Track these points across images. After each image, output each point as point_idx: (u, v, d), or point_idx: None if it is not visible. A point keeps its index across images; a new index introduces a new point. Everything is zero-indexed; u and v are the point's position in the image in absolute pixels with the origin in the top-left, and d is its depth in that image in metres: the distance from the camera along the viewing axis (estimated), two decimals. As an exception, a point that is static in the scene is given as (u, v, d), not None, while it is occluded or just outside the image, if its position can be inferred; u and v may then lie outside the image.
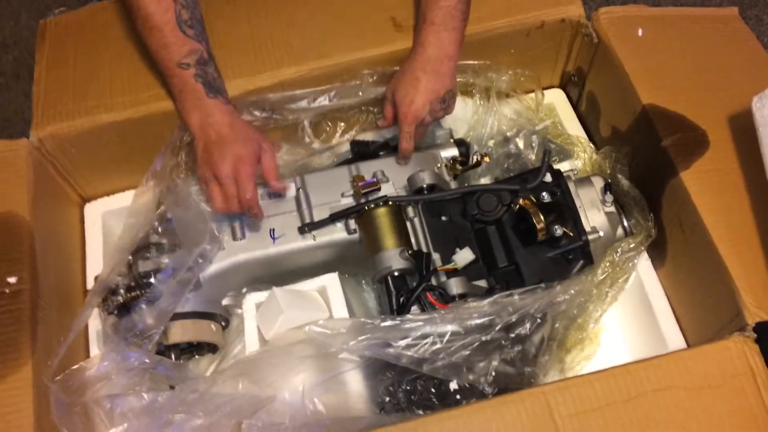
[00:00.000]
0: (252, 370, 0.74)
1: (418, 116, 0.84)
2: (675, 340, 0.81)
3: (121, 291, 0.80)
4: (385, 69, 0.90)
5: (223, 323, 0.87)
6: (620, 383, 0.65)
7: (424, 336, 0.72)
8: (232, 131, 0.78)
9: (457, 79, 0.88)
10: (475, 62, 0.91)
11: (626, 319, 0.87)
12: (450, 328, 0.72)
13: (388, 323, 0.72)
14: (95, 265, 0.89)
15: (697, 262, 0.76)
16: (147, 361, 0.74)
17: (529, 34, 0.93)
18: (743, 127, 0.76)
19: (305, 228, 0.83)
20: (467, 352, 0.73)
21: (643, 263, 0.85)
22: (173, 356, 0.83)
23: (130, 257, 0.83)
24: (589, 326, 0.82)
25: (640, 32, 0.87)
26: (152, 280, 0.81)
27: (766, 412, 0.64)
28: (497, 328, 0.73)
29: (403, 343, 0.72)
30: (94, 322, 0.84)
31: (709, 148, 0.77)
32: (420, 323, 0.72)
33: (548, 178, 0.83)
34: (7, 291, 0.72)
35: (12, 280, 0.72)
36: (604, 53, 0.89)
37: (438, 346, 0.72)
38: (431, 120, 0.87)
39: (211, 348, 0.87)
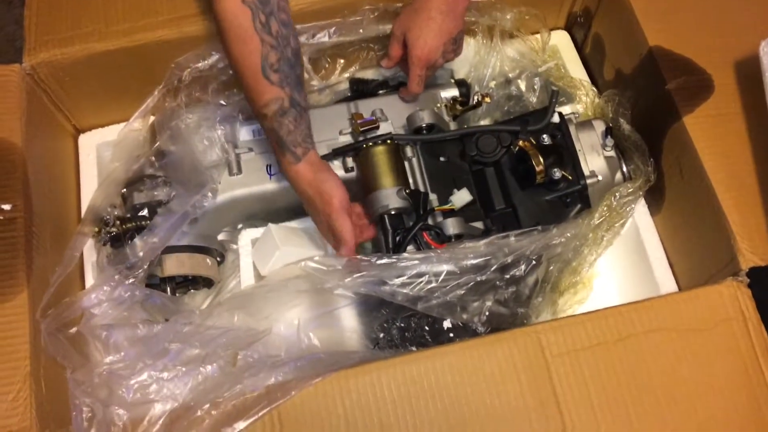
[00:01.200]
0: (247, 303, 0.75)
1: (431, 59, 0.81)
2: (668, 286, 0.82)
3: (116, 222, 0.80)
4: (388, 5, 0.87)
5: (218, 258, 0.87)
6: (611, 324, 0.66)
7: (420, 275, 0.72)
8: (304, 198, 0.75)
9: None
10: (480, 0, 0.89)
11: (620, 265, 0.88)
12: (445, 267, 0.73)
13: (384, 261, 0.72)
14: (90, 197, 0.88)
15: (694, 208, 0.76)
16: (141, 293, 0.74)
17: (536, -29, 0.91)
18: (750, 72, 0.75)
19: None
20: (462, 292, 0.73)
21: (640, 209, 0.85)
22: (168, 289, 0.83)
23: (125, 189, 0.83)
24: (583, 270, 0.83)
25: (650, -29, 0.85)
26: (145, 212, 0.81)
27: (755, 357, 0.65)
28: (492, 268, 0.74)
29: (398, 281, 0.72)
30: (89, 253, 0.84)
31: (713, 93, 0.76)
32: (416, 262, 0.72)
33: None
34: (1, 218, 0.71)
35: (6, 207, 0.72)
36: (613, -7, 0.87)
37: (433, 285, 0.73)
38: (443, 62, 0.85)
39: (206, 282, 0.88)
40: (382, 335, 0.78)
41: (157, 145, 0.84)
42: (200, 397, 0.64)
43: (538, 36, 0.94)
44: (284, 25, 0.71)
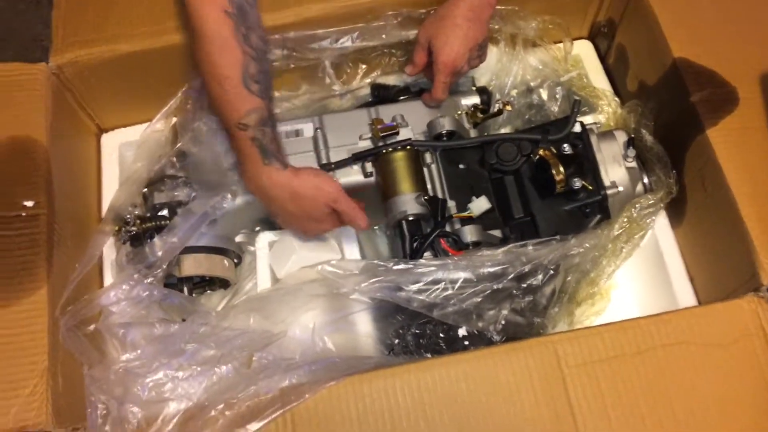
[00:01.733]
0: (264, 306, 0.75)
1: (457, 66, 0.81)
2: (687, 299, 0.81)
3: (137, 221, 0.81)
4: (411, 11, 0.88)
5: (235, 260, 0.88)
6: (630, 336, 0.65)
7: (436, 281, 0.72)
8: (294, 202, 0.73)
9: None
10: (503, 8, 0.89)
11: (639, 277, 0.87)
12: (462, 274, 0.73)
13: (400, 266, 0.72)
14: (111, 196, 0.89)
15: (716, 222, 0.75)
16: (159, 292, 0.74)
17: (561, -19, 0.90)
18: (776, 85, 0.74)
19: (328, 167, 0.82)
20: (478, 300, 0.73)
21: (661, 221, 0.84)
22: (185, 289, 0.84)
23: (146, 189, 0.84)
24: (601, 281, 0.82)
25: (676, -18, 0.84)
26: (165, 212, 0.82)
27: (775, 373, 0.64)
28: (509, 277, 0.73)
29: (414, 287, 0.72)
30: (109, 251, 0.85)
31: (738, 106, 0.75)
32: (432, 268, 0.72)
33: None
34: (24, 214, 0.72)
35: (29, 203, 0.73)
36: (637, 4, 0.86)
37: (449, 292, 0.72)
38: (468, 69, 0.85)
39: (223, 283, 0.88)
40: (396, 341, 0.78)
41: (178, 146, 0.85)
42: (214, 397, 0.64)
43: (560, 45, 0.94)
44: (262, 40, 0.72)
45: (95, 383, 0.65)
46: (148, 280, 0.74)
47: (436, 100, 0.84)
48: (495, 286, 0.73)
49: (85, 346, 0.68)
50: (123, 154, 0.94)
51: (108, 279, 0.85)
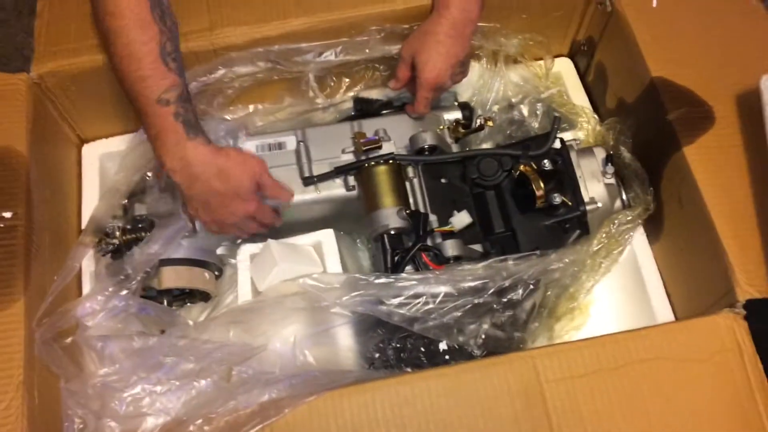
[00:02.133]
0: (244, 318, 0.74)
1: (439, 81, 0.82)
2: (665, 314, 0.82)
3: (117, 234, 0.80)
4: (394, 27, 0.88)
5: (216, 272, 0.87)
6: (608, 351, 0.66)
7: (417, 295, 0.72)
8: (220, 179, 0.71)
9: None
10: (485, 25, 0.90)
11: (617, 293, 0.88)
12: (443, 289, 0.73)
13: (382, 280, 0.72)
14: (91, 207, 0.88)
15: (692, 238, 0.76)
16: (135, 303, 0.74)
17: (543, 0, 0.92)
18: (751, 105, 0.76)
19: (310, 180, 0.82)
20: (459, 314, 0.73)
21: (639, 237, 0.85)
22: (165, 302, 0.83)
23: (126, 201, 0.83)
24: (580, 296, 0.83)
25: (654, 3, 0.86)
26: (145, 224, 0.81)
27: (750, 388, 0.65)
28: (490, 291, 0.74)
29: (395, 301, 0.72)
30: (88, 263, 0.84)
31: (714, 125, 0.77)
32: (414, 282, 0.72)
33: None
34: (1, 225, 0.71)
35: (7, 214, 0.72)
36: (617, 23, 0.87)
37: (430, 306, 0.73)
38: (451, 84, 0.86)
39: (203, 296, 0.88)
40: (377, 355, 0.78)
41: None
42: (193, 412, 0.63)
43: (541, 62, 0.95)
44: (174, 24, 0.73)
45: (72, 397, 0.64)
46: (124, 292, 0.74)
47: (418, 113, 0.85)
48: (475, 301, 0.74)
49: (62, 359, 0.68)
50: (104, 165, 0.93)
51: (86, 291, 0.83)
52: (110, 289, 0.73)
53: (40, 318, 0.69)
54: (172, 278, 0.81)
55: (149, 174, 0.85)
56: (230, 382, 0.67)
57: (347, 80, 0.94)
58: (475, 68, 0.93)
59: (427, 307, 0.73)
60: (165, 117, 0.68)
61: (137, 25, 0.68)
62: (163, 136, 0.69)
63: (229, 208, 0.74)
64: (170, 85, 0.69)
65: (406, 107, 0.87)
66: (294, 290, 0.74)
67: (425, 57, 0.81)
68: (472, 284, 0.73)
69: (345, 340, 0.77)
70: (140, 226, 0.81)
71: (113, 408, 0.63)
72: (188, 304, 0.89)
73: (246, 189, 0.73)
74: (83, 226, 0.86)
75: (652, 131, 0.82)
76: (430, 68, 0.81)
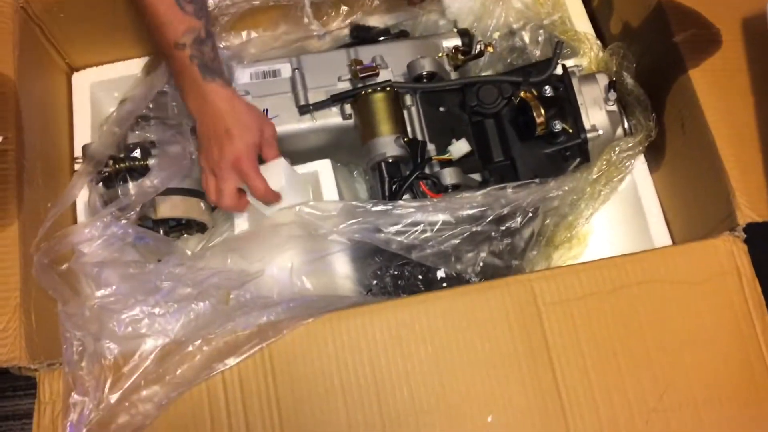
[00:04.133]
0: (241, 246, 0.74)
1: None
2: (663, 242, 0.82)
3: (109, 162, 0.79)
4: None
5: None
6: (605, 274, 0.66)
7: (415, 223, 0.72)
8: (231, 119, 0.72)
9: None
10: (486, -53, 0.87)
11: (616, 221, 0.87)
12: (441, 217, 0.72)
13: (379, 207, 0.71)
14: (83, 135, 0.87)
15: (694, 163, 0.75)
16: (133, 231, 0.73)
17: None
18: (758, 29, 0.74)
19: (306, 108, 0.80)
20: (457, 242, 0.73)
21: (639, 165, 0.84)
22: (161, 232, 0.82)
23: (117, 128, 0.82)
24: (579, 225, 0.82)
25: None
26: (138, 153, 0.80)
27: (747, 311, 0.65)
28: (488, 219, 0.73)
29: (393, 229, 0.72)
30: (82, 192, 0.83)
31: (721, 48, 0.75)
32: (411, 210, 0.72)
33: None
34: (-8, 150, 0.70)
35: (-3, 138, 0.71)
36: (622, -56, 0.85)
37: (428, 234, 0.72)
38: None
39: (200, 227, 0.87)
40: (375, 282, 0.78)
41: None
42: (192, 334, 0.63)
43: (543, -13, 0.92)
44: None
45: (70, 319, 0.64)
46: (123, 221, 0.73)
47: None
48: (474, 229, 0.73)
49: (59, 283, 0.67)
50: (95, 95, 0.91)
51: (81, 220, 0.83)
52: (108, 217, 0.72)
53: (38, 243, 0.69)
54: (167, 208, 0.80)
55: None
56: (228, 305, 0.67)
57: (345, 8, 0.91)
58: (476, -6, 0.90)
59: (424, 235, 0.72)
60: (182, 61, 0.71)
61: None
62: (181, 79, 0.73)
63: (225, 149, 0.72)
64: (186, 29, 0.70)
65: (396, 43, 0.83)
66: (291, 219, 0.73)
67: None
68: (470, 212, 0.73)
69: (342, 267, 0.77)
70: (132, 155, 0.80)
71: (111, 329, 0.63)
72: (185, 235, 0.89)
73: (255, 131, 0.73)
74: (75, 154, 0.85)
75: (658, 55, 0.80)
76: None
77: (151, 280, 0.68)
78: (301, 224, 0.73)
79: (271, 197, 0.73)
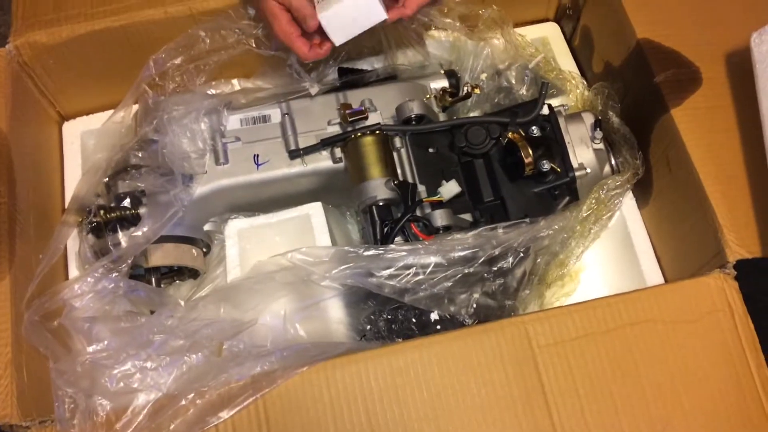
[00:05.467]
0: (233, 295, 0.74)
1: None
2: (655, 279, 0.82)
3: (100, 212, 0.79)
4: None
5: (204, 249, 0.87)
6: (599, 315, 0.66)
7: (407, 266, 0.72)
8: None
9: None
10: (471, -8, 0.89)
11: (607, 258, 0.88)
12: (433, 259, 0.72)
13: (371, 252, 0.71)
14: (74, 185, 0.86)
15: (681, 200, 0.76)
16: (125, 285, 0.73)
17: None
18: (740, 64, 0.75)
19: (296, 153, 0.81)
20: (449, 284, 0.73)
21: (628, 202, 0.85)
22: (153, 280, 0.82)
23: (108, 178, 0.82)
24: (570, 263, 0.83)
25: (640, -37, 0.85)
26: (128, 202, 0.80)
27: (741, 348, 0.65)
28: (480, 260, 0.73)
29: (385, 272, 0.72)
30: (72, 243, 0.83)
31: (701, 86, 0.76)
32: (403, 253, 0.72)
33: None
34: (-16, 205, 0.70)
35: (-10, 193, 0.71)
36: (601, -15, 0.87)
37: (420, 276, 0.72)
38: None
39: (192, 273, 0.87)
40: (368, 327, 0.78)
41: (142, 133, 0.83)
42: (185, 387, 0.63)
43: (526, 28, 0.94)
44: None
45: (61, 376, 0.63)
46: (114, 275, 0.73)
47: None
48: (466, 270, 0.73)
49: (50, 340, 0.66)
50: (85, 143, 0.92)
51: (73, 271, 0.83)
52: (100, 271, 0.72)
53: (29, 300, 0.69)
54: (159, 256, 0.80)
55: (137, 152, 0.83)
56: (221, 356, 0.67)
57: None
58: (461, 36, 0.92)
59: (417, 278, 0.72)
60: None
61: None
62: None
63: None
64: None
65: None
66: (283, 265, 0.73)
67: None
68: (462, 253, 0.73)
69: (336, 312, 0.76)
70: (123, 204, 0.80)
71: (103, 385, 0.63)
72: (177, 281, 0.88)
73: None
74: (67, 205, 0.84)
75: (640, 94, 0.81)
76: None
77: (143, 333, 0.67)
78: (294, 271, 0.73)
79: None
